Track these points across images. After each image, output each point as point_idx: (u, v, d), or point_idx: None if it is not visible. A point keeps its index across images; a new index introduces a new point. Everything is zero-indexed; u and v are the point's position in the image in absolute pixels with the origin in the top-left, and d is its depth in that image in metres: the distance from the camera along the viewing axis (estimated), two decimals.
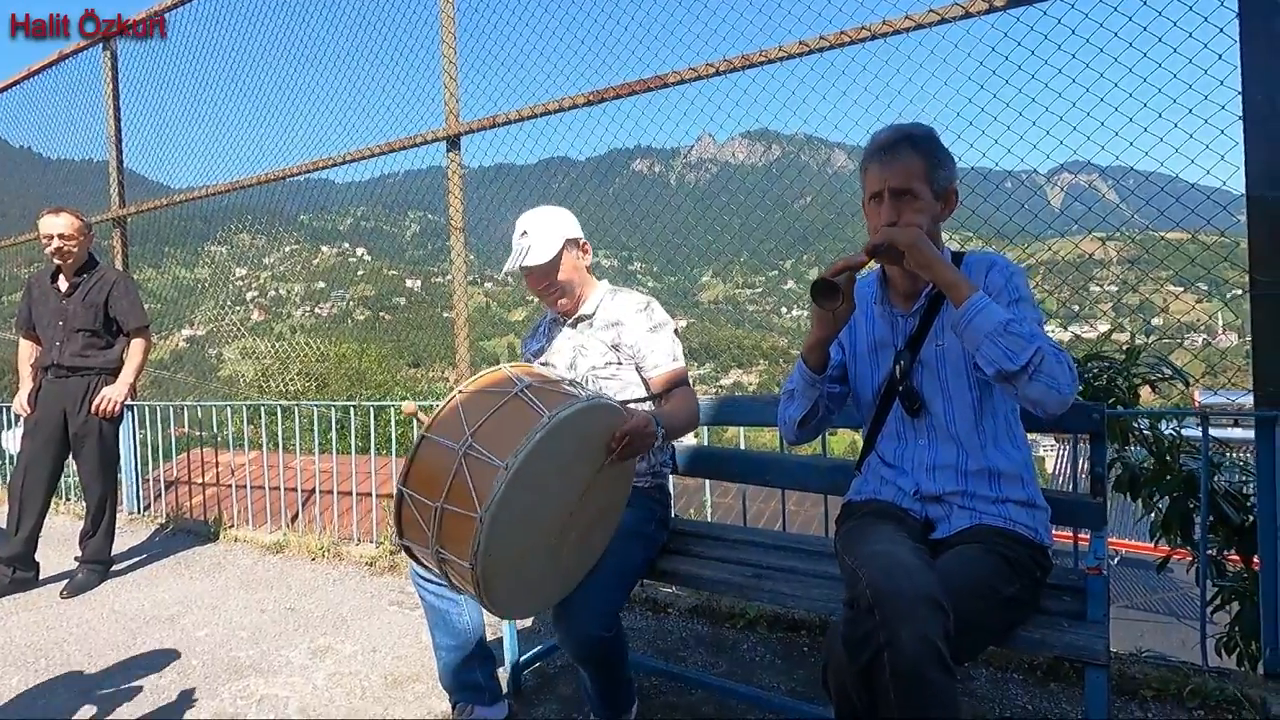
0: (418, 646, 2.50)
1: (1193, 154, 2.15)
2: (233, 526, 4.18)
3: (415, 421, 1.50)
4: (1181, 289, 2.62)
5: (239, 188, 4.77)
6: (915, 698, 1.08)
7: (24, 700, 2.24)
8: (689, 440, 2.20)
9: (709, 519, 3.23)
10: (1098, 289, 3.22)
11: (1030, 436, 1.58)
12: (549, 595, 1.55)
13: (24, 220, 6.04)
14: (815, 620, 2.47)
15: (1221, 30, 2.04)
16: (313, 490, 4.09)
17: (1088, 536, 1.59)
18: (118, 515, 3.65)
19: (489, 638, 1.97)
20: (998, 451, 1.47)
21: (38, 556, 3.35)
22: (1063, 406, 1.28)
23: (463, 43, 3.57)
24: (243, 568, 3.53)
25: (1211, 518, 2.12)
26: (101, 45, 5.17)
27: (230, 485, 4.40)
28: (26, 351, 3.46)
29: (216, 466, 4.74)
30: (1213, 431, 2.12)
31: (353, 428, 3.81)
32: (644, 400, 1.84)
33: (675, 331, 1.91)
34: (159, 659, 2.49)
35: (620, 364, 1.87)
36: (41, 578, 3.37)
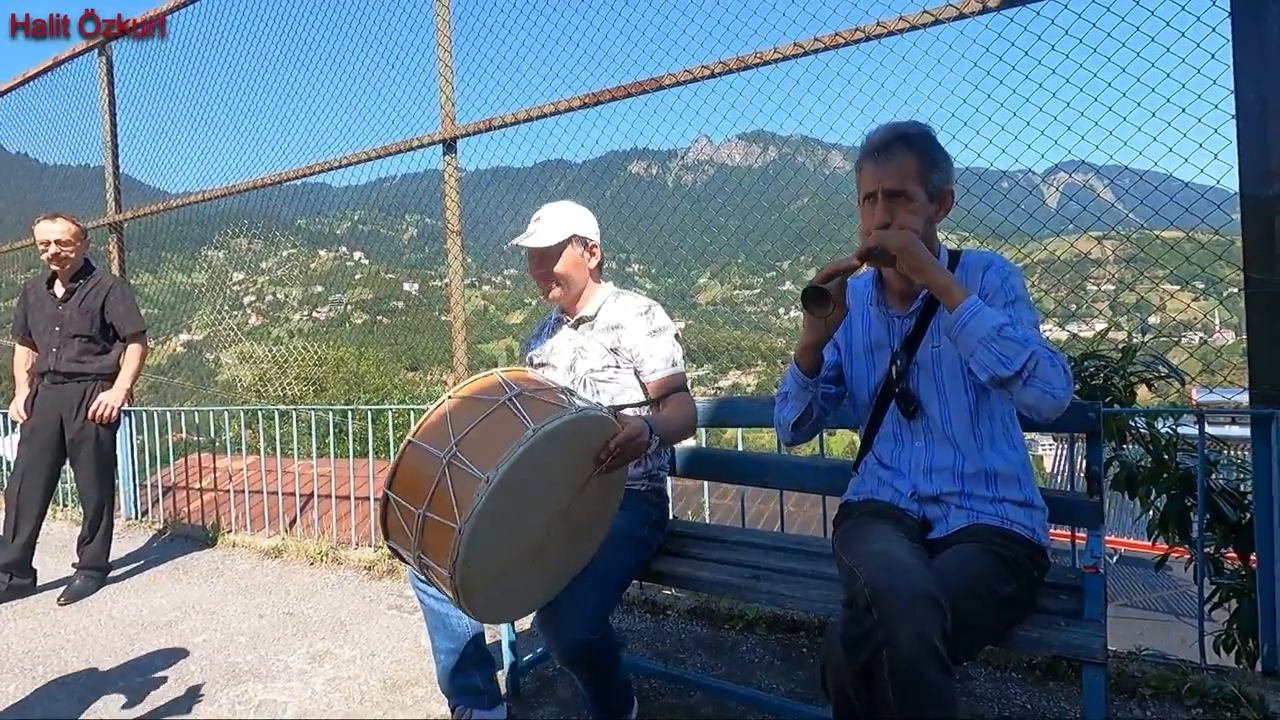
0: (416, 651, 2.49)
1: (1187, 153, 2.16)
2: (231, 531, 4.17)
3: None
4: (1178, 287, 2.62)
5: (236, 192, 4.76)
6: (913, 697, 1.08)
7: (21, 707, 2.24)
8: (688, 441, 2.20)
9: (708, 520, 3.23)
10: (1094, 288, 3.22)
11: (1028, 436, 1.58)
12: (533, 601, 1.55)
13: (20, 226, 6.02)
14: (814, 621, 2.47)
15: (1214, 30, 2.04)
16: (311, 495, 4.09)
17: (1085, 535, 1.59)
18: (115, 521, 3.63)
19: (488, 641, 1.97)
20: (995, 454, 1.46)
21: (35, 563, 3.34)
22: (1058, 411, 1.28)
23: (458, 46, 3.57)
24: (241, 573, 3.53)
25: (1209, 515, 2.12)
26: (97, 51, 5.17)
27: (228, 490, 4.40)
28: (23, 357, 3.45)
29: (214, 471, 4.73)
30: (1209, 429, 2.13)
31: (350, 432, 3.81)
32: (641, 405, 1.84)
33: (676, 336, 1.91)
34: (157, 665, 2.48)
35: (618, 367, 1.87)
36: (39, 584, 3.36)
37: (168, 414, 4.72)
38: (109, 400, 3.30)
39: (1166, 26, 2.16)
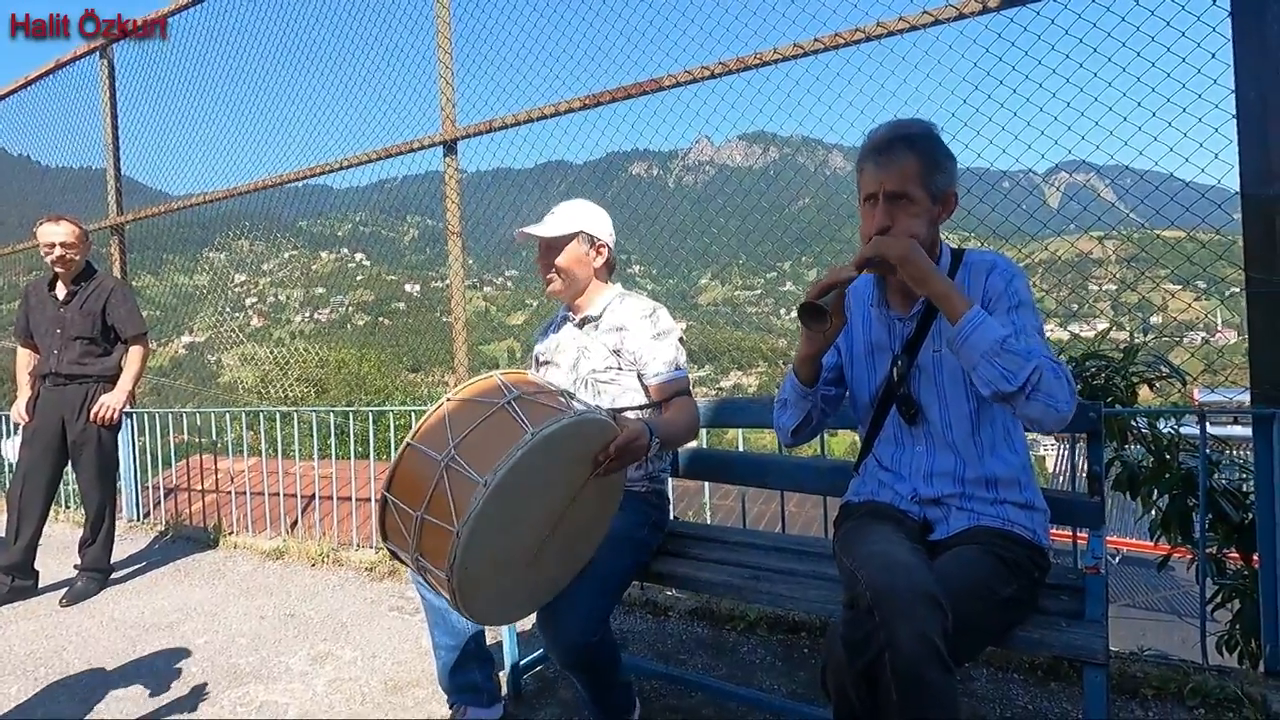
0: (417, 652, 2.49)
1: (1188, 152, 2.15)
2: (232, 533, 4.17)
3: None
4: (1179, 287, 2.61)
5: (237, 194, 4.77)
6: (914, 697, 1.08)
7: (24, 709, 2.24)
8: (689, 442, 2.20)
9: (709, 521, 3.23)
10: (1095, 288, 3.22)
11: (1030, 436, 1.57)
12: (531, 602, 1.55)
13: (22, 229, 6.03)
14: (815, 622, 2.47)
15: (1214, 29, 2.04)
16: (312, 496, 4.09)
17: (1087, 536, 1.59)
18: (117, 523, 3.64)
19: (489, 640, 1.97)
20: (996, 459, 1.45)
21: (37, 565, 3.35)
22: (1061, 424, 1.27)
23: (458, 47, 3.57)
24: (242, 574, 3.53)
25: (1211, 515, 2.12)
26: (99, 53, 5.18)
27: (230, 492, 4.40)
28: (24, 359, 3.46)
29: (216, 473, 4.73)
30: (1211, 429, 2.12)
31: (352, 433, 3.81)
32: (642, 408, 1.84)
33: (680, 340, 1.91)
34: (159, 666, 2.49)
35: (621, 369, 1.86)
36: (40, 586, 3.36)
37: (169, 416, 4.72)
38: (110, 402, 3.30)
39: (1167, 26, 2.16)
